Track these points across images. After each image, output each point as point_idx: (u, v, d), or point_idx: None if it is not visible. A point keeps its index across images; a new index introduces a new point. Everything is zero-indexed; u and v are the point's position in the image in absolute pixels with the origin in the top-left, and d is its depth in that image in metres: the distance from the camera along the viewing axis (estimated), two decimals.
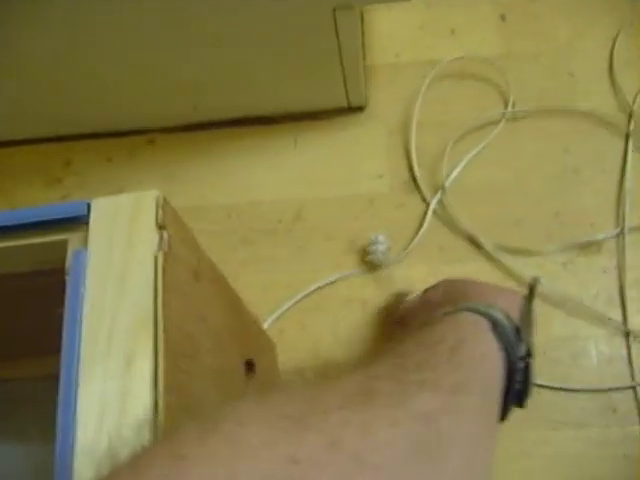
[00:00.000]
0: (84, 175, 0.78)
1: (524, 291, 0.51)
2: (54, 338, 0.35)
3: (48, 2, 0.60)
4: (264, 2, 0.60)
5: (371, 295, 0.68)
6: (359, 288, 0.68)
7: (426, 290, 0.57)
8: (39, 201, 0.78)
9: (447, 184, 0.71)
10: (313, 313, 0.67)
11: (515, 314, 0.48)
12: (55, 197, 0.78)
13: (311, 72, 0.70)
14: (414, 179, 0.72)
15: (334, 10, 0.63)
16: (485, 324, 0.45)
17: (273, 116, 0.76)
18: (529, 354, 0.47)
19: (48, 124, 0.80)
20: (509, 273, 0.67)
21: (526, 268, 0.67)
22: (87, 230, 0.38)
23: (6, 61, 0.69)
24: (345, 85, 0.72)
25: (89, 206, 0.38)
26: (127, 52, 0.67)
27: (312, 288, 0.68)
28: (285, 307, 0.67)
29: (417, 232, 0.70)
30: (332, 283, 0.68)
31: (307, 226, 0.71)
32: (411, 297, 0.62)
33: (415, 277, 0.68)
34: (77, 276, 0.36)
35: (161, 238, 0.37)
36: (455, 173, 0.71)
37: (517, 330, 0.46)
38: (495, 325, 0.45)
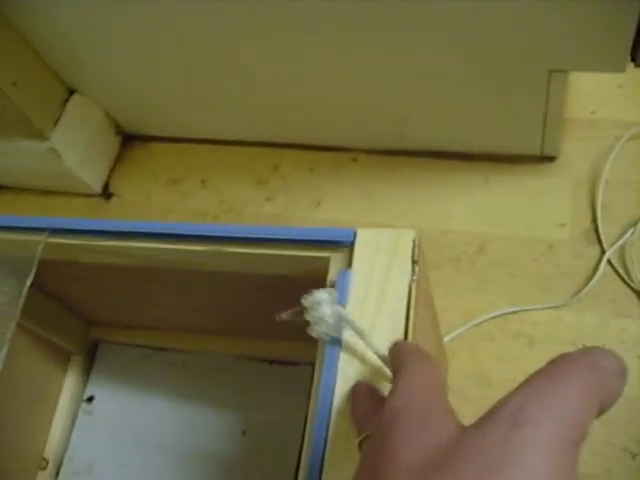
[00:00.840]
0: (289, 180, 0.87)
1: None
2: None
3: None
4: (486, 51, 0.67)
5: (539, 333, 0.73)
6: (531, 325, 0.74)
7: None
8: (246, 197, 0.88)
9: (626, 238, 0.75)
10: (484, 342, 0.73)
11: None
12: (260, 196, 0.87)
13: (513, 119, 0.76)
14: (596, 231, 0.77)
15: (550, 72, 0.69)
16: None
17: (469, 153, 0.83)
18: None
19: (261, 129, 0.90)
20: None
21: None
22: (351, 253, 0.45)
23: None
24: (542, 135, 0.78)
25: (355, 234, 0.46)
26: (347, 77, 0.75)
27: (486, 317, 0.74)
28: (459, 331, 0.74)
29: (590, 280, 0.74)
30: (505, 315, 0.74)
31: (489, 260, 0.77)
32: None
33: (583, 324, 0.73)
34: (342, 291, 0.44)
35: (414, 271, 0.44)
36: (637, 230, 0.76)
37: None
38: None
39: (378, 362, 0.41)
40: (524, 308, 0.75)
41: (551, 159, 0.82)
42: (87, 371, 0.83)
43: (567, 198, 0.79)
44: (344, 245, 0.46)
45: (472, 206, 0.81)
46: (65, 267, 0.62)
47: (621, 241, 0.76)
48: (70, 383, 0.80)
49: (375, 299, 0.43)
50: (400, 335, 0.42)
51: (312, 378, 0.43)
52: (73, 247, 0.55)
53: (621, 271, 0.75)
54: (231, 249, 0.49)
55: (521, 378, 0.66)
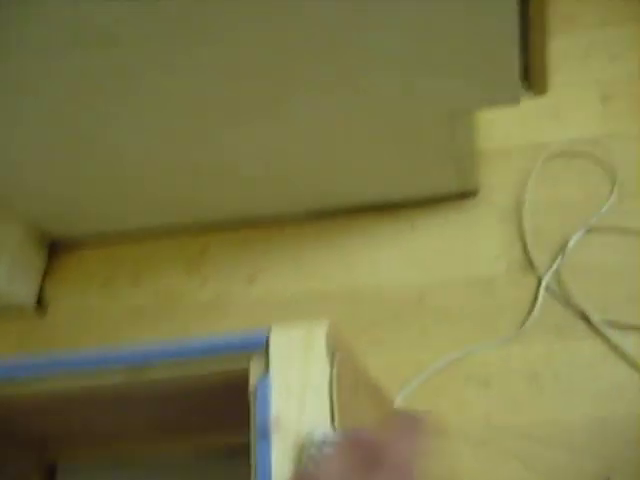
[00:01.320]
0: (219, 261, 0.87)
1: None
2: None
3: None
4: (384, 103, 0.67)
5: (492, 372, 0.73)
6: (482, 366, 0.73)
7: None
8: (180, 286, 0.87)
9: (559, 262, 0.75)
10: (439, 392, 0.73)
11: None
12: (194, 283, 0.86)
13: (427, 163, 0.77)
14: (529, 258, 0.77)
15: (450, 114, 0.69)
16: None
17: (391, 202, 0.83)
18: None
19: (186, 212, 0.89)
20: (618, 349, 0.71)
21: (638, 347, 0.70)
22: (267, 356, 0.44)
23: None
24: (459, 174, 0.78)
25: (268, 337, 0.45)
26: (261, 152, 0.75)
27: (437, 366, 0.73)
28: (412, 387, 0.73)
29: (532, 310, 0.74)
30: (456, 361, 0.73)
31: (429, 307, 0.77)
32: None
33: (532, 354, 0.73)
34: (264, 400, 0.43)
35: (332, 363, 0.43)
36: (567, 251, 0.76)
37: None
38: None
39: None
40: (473, 350, 0.74)
41: (472, 195, 0.82)
42: None
43: (495, 231, 0.80)
44: (259, 350, 0.45)
45: (403, 255, 0.81)
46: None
47: (555, 265, 0.76)
48: None
49: (297, 398, 0.42)
50: (328, 428, 0.41)
51: None
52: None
53: (560, 295, 0.75)
54: (150, 375, 0.48)
55: (481, 422, 0.64)
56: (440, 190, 0.81)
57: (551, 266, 0.76)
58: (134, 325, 0.85)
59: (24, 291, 0.90)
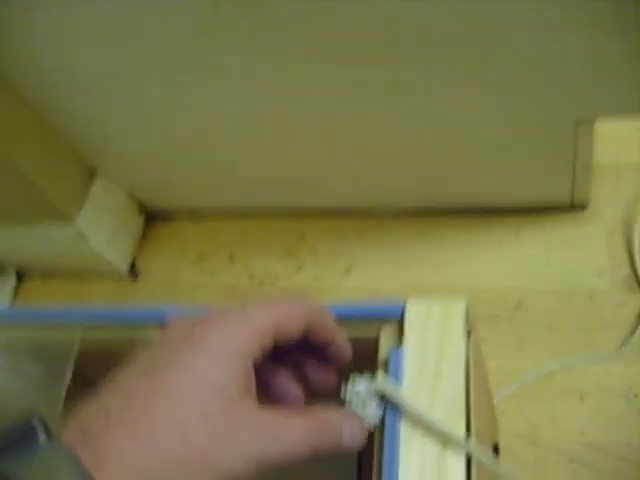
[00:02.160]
0: (317, 249, 0.87)
1: None
2: None
3: None
4: (513, 105, 0.67)
5: (589, 387, 0.71)
6: (579, 379, 0.72)
7: None
8: (275, 270, 0.87)
9: None
10: (532, 400, 0.71)
11: None
12: (290, 267, 0.86)
13: (542, 170, 0.76)
14: (636, 277, 0.75)
15: (577, 121, 0.68)
16: None
17: (497, 207, 0.82)
18: None
19: (287, 197, 0.89)
20: None
21: None
22: (400, 328, 0.44)
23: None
24: (572, 184, 0.77)
25: (404, 307, 0.45)
26: (373, 139, 0.75)
27: (532, 375, 0.72)
28: (507, 392, 0.72)
29: (636, 329, 0.73)
30: (552, 371, 0.72)
31: (528, 315, 0.76)
32: None
33: (633, 374, 0.71)
34: (396, 372, 0.42)
35: (468, 343, 0.43)
36: None
37: None
38: None
39: (441, 442, 0.39)
40: (570, 362, 0.73)
41: (582, 207, 0.81)
42: None
43: (602, 246, 0.78)
44: (391, 320, 0.45)
45: (505, 261, 0.80)
46: (102, 359, 0.61)
47: None
48: None
49: (430, 376, 0.42)
50: (461, 414, 0.40)
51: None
52: (111, 341, 0.54)
53: None
54: None
55: (575, 436, 0.63)
56: (550, 200, 0.80)
57: None
58: (226, 302, 0.86)
59: (120, 256, 0.92)
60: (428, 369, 0.42)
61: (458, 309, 0.43)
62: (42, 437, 0.31)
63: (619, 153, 0.83)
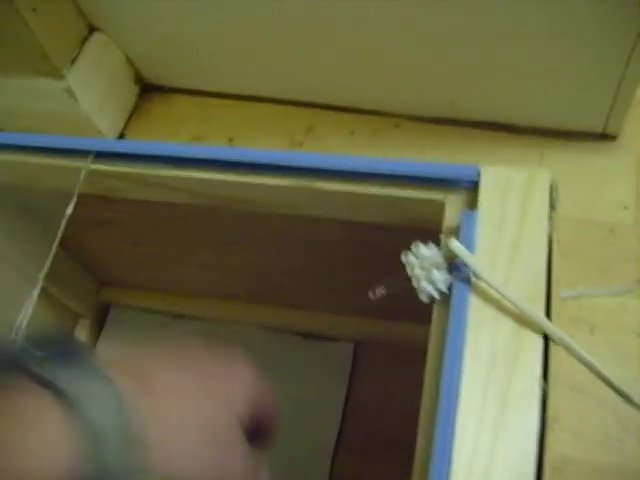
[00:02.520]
0: (325, 143, 0.81)
1: None
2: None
3: None
4: (570, 5, 0.61)
5: (600, 320, 0.68)
6: (591, 311, 0.68)
7: None
8: None
9: None
10: None
11: None
12: None
13: (584, 89, 0.71)
14: None
15: (638, 35, 0.63)
16: None
17: (524, 126, 0.77)
18: None
19: (296, 86, 0.83)
20: None
21: None
22: (475, 194, 0.39)
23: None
24: (610, 110, 0.72)
25: (479, 172, 0.39)
26: (402, 33, 0.69)
27: None
28: None
29: None
30: (563, 300, 0.69)
31: None
32: None
33: None
34: (469, 236, 0.37)
35: (552, 218, 0.38)
36: None
37: None
38: None
39: (517, 321, 0.35)
40: (583, 293, 0.69)
41: (612, 138, 0.76)
42: (94, 338, 0.75)
43: (631, 180, 0.74)
44: (462, 187, 0.40)
45: None
46: (98, 207, 0.54)
47: None
48: None
49: (508, 248, 0.37)
50: (541, 294, 0.35)
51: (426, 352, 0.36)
52: (119, 176, 0.48)
53: None
54: (323, 185, 0.42)
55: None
56: (580, 125, 0.76)
57: None
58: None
59: (108, 123, 0.85)
60: (505, 240, 0.37)
61: (543, 180, 0.38)
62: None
63: None
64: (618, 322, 0.68)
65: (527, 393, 0.33)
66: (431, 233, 0.40)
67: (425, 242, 0.38)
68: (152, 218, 0.56)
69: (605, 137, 0.76)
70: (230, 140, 0.83)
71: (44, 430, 0.28)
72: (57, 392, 0.29)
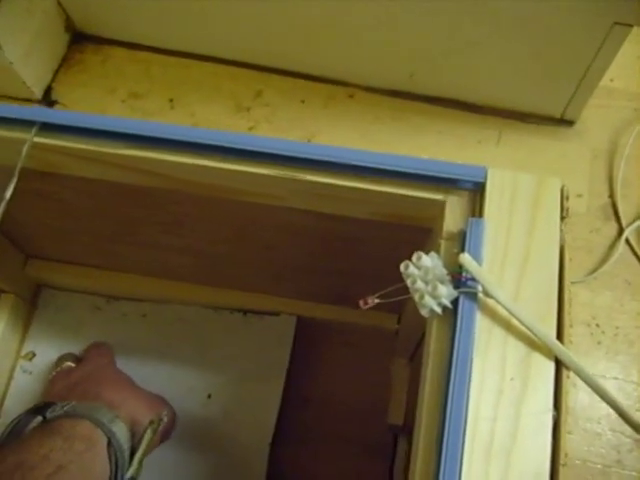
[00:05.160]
0: (275, 110, 0.76)
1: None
2: None
3: None
4: None
5: None
6: None
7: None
8: (223, 124, 0.76)
9: None
10: None
11: (142, 426, 0.50)
12: (241, 125, 0.75)
13: (551, 73, 0.69)
14: (613, 207, 0.71)
15: (613, 24, 0.61)
16: (101, 441, 0.45)
17: (483, 105, 0.75)
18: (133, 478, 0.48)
19: (244, 47, 0.78)
20: None
21: None
22: (481, 198, 0.36)
23: None
24: (572, 97, 0.71)
25: (485, 173, 0.36)
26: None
27: None
28: None
29: (606, 260, 0.69)
30: None
31: None
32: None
33: (597, 304, 0.68)
34: (475, 246, 0.34)
35: (562, 229, 0.35)
36: None
37: (133, 450, 0.48)
38: (111, 442, 0.45)
39: (527, 344, 0.32)
40: None
41: (569, 124, 0.75)
42: (27, 320, 0.69)
43: (585, 168, 0.73)
44: (465, 188, 0.37)
45: (481, 162, 0.72)
46: (36, 180, 0.48)
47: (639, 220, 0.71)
48: (5, 335, 0.65)
49: (517, 262, 0.34)
50: (553, 310, 0.33)
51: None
52: (66, 151, 0.42)
53: (639, 252, 0.70)
54: (308, 177, 0.38)
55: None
56: (541, 109, 0.74)
57: (635, 221, 0.71)
58: None
59: (35, 78, 0.77)
60: (514, 252, 0.34)
61: (553, 185, 0.35)
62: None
63: (613, 77, 0.78)
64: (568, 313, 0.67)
65: (538, 427, 0.31)
66: (421, 232, 0.37)
67: (414, 245, 0.35)
68: (94, 193, 0.50)
69: (563, 122, 0.75)
70: (171, 101, 0.78)
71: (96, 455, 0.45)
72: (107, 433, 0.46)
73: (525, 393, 0.31)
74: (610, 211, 0.72)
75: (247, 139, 0.38)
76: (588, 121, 0.76)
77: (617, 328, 0.67)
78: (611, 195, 0.72)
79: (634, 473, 0.63)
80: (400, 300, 0.59)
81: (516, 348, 0.32)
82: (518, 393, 0.31)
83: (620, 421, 0.64)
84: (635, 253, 0.70)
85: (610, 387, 0.65)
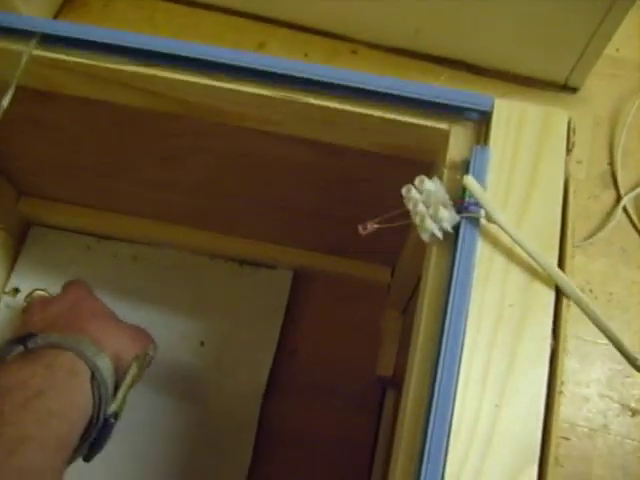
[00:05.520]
0: None
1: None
2: None
3: None
4: None
5: None
6: None
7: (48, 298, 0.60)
8: None
9: None
10: None
11: (126, 362, 0.49)
12: None
13: (553, 40, 0.68)
14: (613, 175, 0.71)
15: None
16: (84, 374, 0.44)
17: (487, 68, 0.74)
18: (116, 415, 0.47)
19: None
20: None
21: None
22: (487, 128, 0.36)
23: None
24: (576, 63, 0.70)
25: (493, 104, 0.36)
26: None
27: None
28: None
29: (603, 226, 0.69)
30: None
31: None
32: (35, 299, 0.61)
33: (592, 270, 0.68)
34: (479, 173, 0.34)
35: (568, 161, 0.35)
36: None
37: (117, 385, 0.47)
38: (95, 376, 0.44)
39: (528, 272, 0.31)
40: None
41: (573, 90, 0.74)
42: (13, 257, 0.68)
43: (586, 135, 0.73)
44: (470, 118, 0.36)
45: None
46: (32, 104, 0.47)
47: (638, 189, 0.70)
48: None
49: (520, 192, 0.34)
50: (555, 241, 0.32)
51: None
52: (66, 66, 0.41)
53: (636, 220, 0.69)
54: (311, 100, 0.37)
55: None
56: (545, 75, 0.74)
57: (634, 190, 0.70)
58: None
59: (37, 14, 0.76)
60: (518, 182, 0.34)
61: (560, 118, 0.35)
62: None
63: (619, 47, 0.77)
64: None
65: (535, 354, 0.30)
66: (423, 166, 0.36)
67: (417, 176, 0.34)
68: (93, 121, 0.49)
69: (566, 88, 0.74)
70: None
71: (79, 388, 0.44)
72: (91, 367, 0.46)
73: (524, 320, 0.31)
74: (609, 179, 0.71)
75: (250, 57, 0.38)
76: (592, 89, 0.75)
77: (611, 294, 0.67)
78: (611, 163, 0.72)
79: (619, 438, 0.63)
80: (394, 253, 0.59)
81: (517, 275, 0.31)
82: (517, 320, 0.31)
83: (608, 386, 0.64)
84: (632, 221, 0.70)
85: (602, 352, 0.65)
